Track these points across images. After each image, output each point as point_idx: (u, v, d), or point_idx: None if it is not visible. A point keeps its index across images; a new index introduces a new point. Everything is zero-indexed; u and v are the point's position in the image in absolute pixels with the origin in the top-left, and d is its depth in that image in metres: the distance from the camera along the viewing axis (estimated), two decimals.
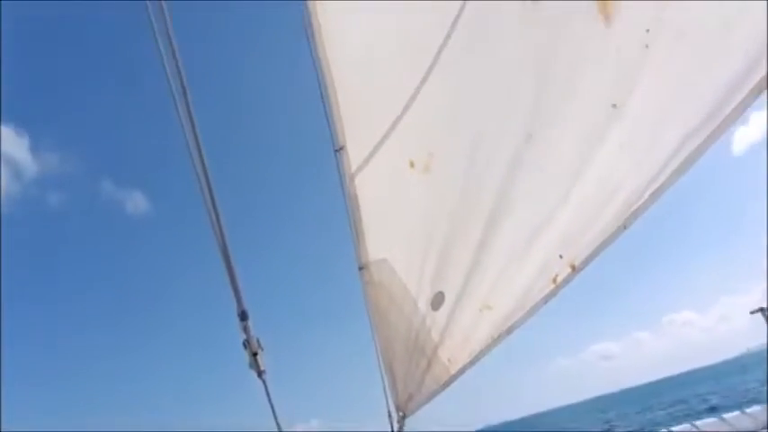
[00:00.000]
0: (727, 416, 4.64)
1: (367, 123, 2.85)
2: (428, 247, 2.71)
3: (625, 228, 2.27)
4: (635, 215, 2.25)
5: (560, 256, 2.40)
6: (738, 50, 2.02)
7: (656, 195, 2.21)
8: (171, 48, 2.10)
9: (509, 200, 2.51)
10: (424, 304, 2.71)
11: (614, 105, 2.25)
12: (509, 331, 2.53)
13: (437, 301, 2.67)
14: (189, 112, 2.12)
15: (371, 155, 2.85)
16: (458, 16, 2.51)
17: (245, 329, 2.14)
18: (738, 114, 2.06)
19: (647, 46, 2.18)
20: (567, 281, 2.41)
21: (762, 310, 4.29)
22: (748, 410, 4.62)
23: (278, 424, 2.20)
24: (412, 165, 2.76)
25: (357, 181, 2.87)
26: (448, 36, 2.55)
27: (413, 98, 2.71)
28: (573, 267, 2.39)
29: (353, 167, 2.88)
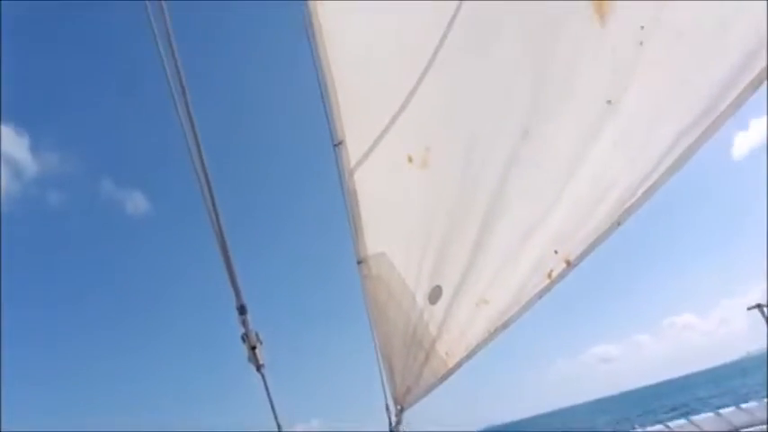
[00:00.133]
0: (723, 411, 4.66)
1: (366, 119, 2.89)
2: (426, 241, 2.75)
3: (619, 224, 2.30)
4: (629, 212, 2.27)
5: (555, 252, 2.42)
6: (733, 47, 2.03)
7: (649, 192, 2.23)
8: (170, 48, 2.13)
9: (505, 196, 2.54)
10: (421, 298, 2.75)
11: (609, 102, 2.27)
12: (505, 326, 2.56)
13: (435, 295, 2.71)
14: (188, 110, 2.15)
15: (370, 150, 2.89)
16: (455, 15, 2.53)
17: (244, 323, 2.18)
18: (732, 111, 2.07)
19: (641, 43, 2.19)
20: (561, 276, 2.43)
21: (759, 306, 4.30)
22: (744, 406, 4.63)
23: (277, 419, 2.24)
24: (410, 160, 2.79)
25: (356, 176, 2.91)
26: (445, 35, 2.58)
27: (411, 94, 2.74)
28: (568, 263, 2.41)
29: (353, 162, 2.91)
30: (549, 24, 2.37)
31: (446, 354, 2.69)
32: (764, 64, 1.95)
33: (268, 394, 2.23)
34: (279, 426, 2.23)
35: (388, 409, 2.75)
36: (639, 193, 2.23)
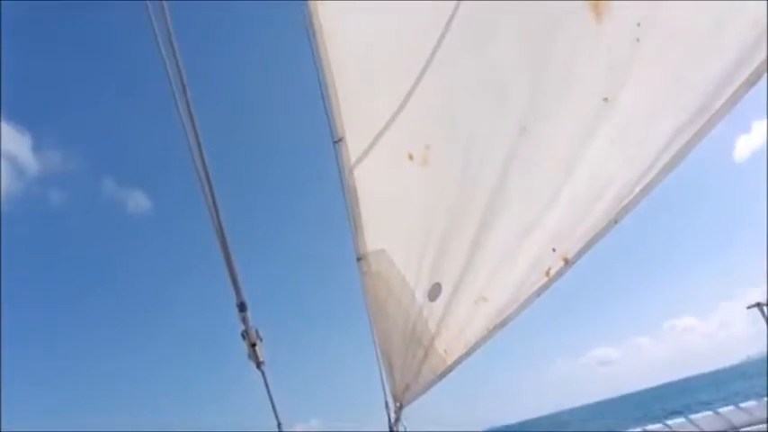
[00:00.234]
0: (722, 410, 4.66)
1: (366, 116, 2.90)
2: (426, 238, 2.76)
3: (616, 222, 2.31)
4: (626, 210, 2.28)
5: (553, 250, 2.44)
6: (729, 45, 2.04)
7: (647, 190, 2.24)
8: (171, 47, 2.15)
9: (504, 194, 2.55)
10: (421, 295, 2.76)
11: (606, 99, 2.29)
12: (503, 324, 2.57)
13: (434, 292, 2.73)
14: (189, 109, 2.17)
15: (370, 147, 2.90)
16: (453, 15, 2.55)
17: (244, 320, 2.20)
18: (728, 109, 2.08)
19: (638, 40, 2.21)
20: (559, 274, 2.45)
21: (759, 305, 4.31)
22: (743, 406, 4.63)
23: (277, 416, 2.25)
24: (411, 157, 2.81)
25: (356, 173, 2.92)
26: (443, 34, 2.60)
27: (411, 92, 2.76)
28: (566, 261, 2.43)
29: (353, 159, 2.93)
30: (546, 23, 2.39)
31: (445, 351, 2.70)
32: (760, 61, 1.97)
33: (268, 391, 2.25)
34: (279, 423, 2.25)
35: (387, 406, 2.76)
36: (637, 190, 2.24)
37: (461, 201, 2.68)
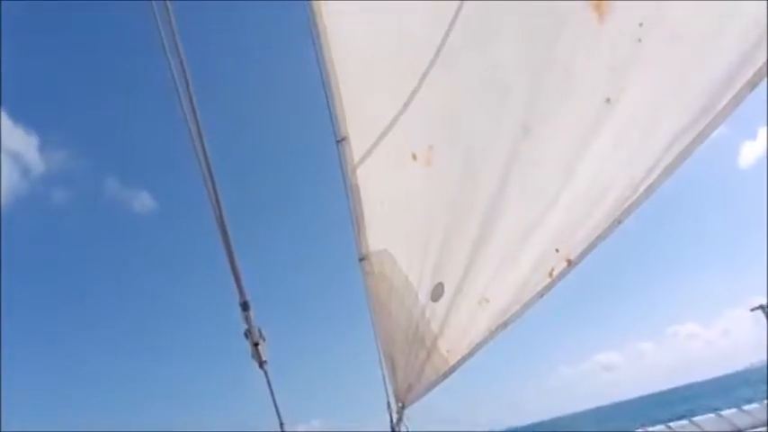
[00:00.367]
0: (725, 413, 4.65)
1: (369, 116, 2.91)
2: (428, 238, 2.76)
3: (619, 222, 2.31)
4: (628, 211, 2.28)
5: (556, 251, 2.44)
6: (731, 46, 2.04)
7: (649, 191, 2.24)
8: (176, 47, 2.15)
9: (506, 195, 2.56)
10: (424, 295, 2.77)
11: (608, 100, 2.29)
12: (506, 324, 2.57)
13: (437, 292, 2.73)
14: (193, 108, 2.17)
15: (374, 147, 2.90)
16: (456, 15, 2.56)
17: (247, 320, 2.20)
18: (730, 110, 2.08)
19: (639, 40, 2.21)
20: (562, 275, 2.45)
21: (762, 307, 4.30)
22: (746, 408, 4.62)
23: (279, 415, 2.25)
24: (414, 157, 2.81)
25: (359, 172, 2.92)
26: (446, 35, 2.60)
27: (414, 92, 2.76)
28: (569, 261, 2.43)
29: (356, 159, 2.93)
30: (549, 23, 2.39)
31: (447, 351, 2.70)
32: (762, 62, 1.97)
33: (271, 391, 2.25)
34: (281, 422, 2.25)
35: (389, 406, 2.77)
36: (639, 191, 2.25)
37: (464, 201, 2.69)
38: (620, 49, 2.26)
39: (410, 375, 2.76)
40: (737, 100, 2.06)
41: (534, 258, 2.49)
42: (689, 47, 2.16)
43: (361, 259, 2.92)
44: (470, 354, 2.65)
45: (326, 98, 2.91)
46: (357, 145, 2.92)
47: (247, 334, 2.22)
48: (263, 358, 2.23)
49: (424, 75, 2.72)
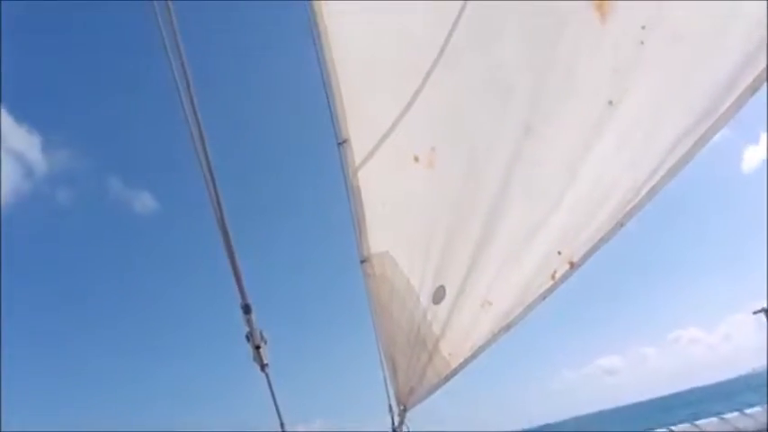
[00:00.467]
0: (727, 416, 4.64)
1: (371, 118, 2.90)
2: (430, 241, 2.76)
3: (622, 225, 2.31)
4: (631, 213, 2.28)
5: (559, 253, 2.43)
6: (733, 48, 2.04)
7: (652, 193, 2.24)
8: (177, 48, 2.14)
9: (509, 197, 2.55)
10: (425, 298, 2.76)
11: (610, 102, 2.29)
12: (509, 327, 2.56)
13: (438, 295, 2.72)
14: (194, 110, 2.16)
15: (375, 149, 2.89)
16: (459, 16, 2.55)
17: (248, 322, 2.19)
18: (733, 113, 2.08)
19: (642, 42, 2.21)
20: (565, 277, 2.44)
21: (764, 310, 4.30)
22: (748, 411, 4.61)
23: (280, 418, 2.24)
24: (416, 159, 2.80)
25: (360, 174, 2.91)
26: (449, 35, 2.59)
27: (417, 94, 2.75)
28: (571, 264, 2.42)
29: (357, 161, 2.92)
30: (551, 23, 2.38)
31: (449, 354, 2.69)
32: (763, 65, 1.96)
33: (272, 394, 2.23)
34: (282, 423, 2.24)
35: (391, 409, 2.75)
36: (642, 193, 2.24)
37: (466, 203, 2.68)
38: (622, 52, 2.26)
39: (412, 378, 2.75)
40: (740, 103, 2.06)
41: (537, 260, 2.48)
42: (691, 49, 2.15)
43: (362, 261, 2.91)
44: (473, 356, 2.64)
45: (328, 100, 2.90)
46: (358, 147, 2.91)
47: (249, 337, 2.20)
48: (265, 361, 2.21)
49: (427, 76, 2.71)
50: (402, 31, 2.75)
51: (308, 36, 2.86)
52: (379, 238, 2.90)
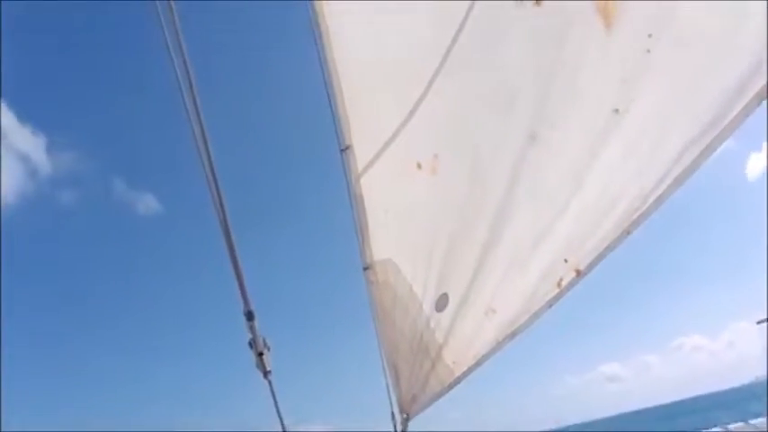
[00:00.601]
0: (732, 427, 4.62)
1: (374, 124, 2.88)
2: (433, 248, 2.74)
3: (628, 233, 2.29)
4: (638, 222, 2.27)
5: (565, 261, 2.41)
6: (741, 56, 2.03)
7: (659, 202, 2.23)
8: (180, 50, 2.12)
9: (513, 203, 2.53)
10: (428, 305, 2.73)
11: (616, 110, 2.28)
12: (514, 335, 2.54)
13: (441, 302, 2.70)
14: (197, 112, 2.14)
15: (378, 155, 2.87)
16: (464, 21, 2.53)
17: (252, 329, 2.16)
18: (740, 122, 2.07)
19: (648, 51, 2.20)
20: (571, 285, 2.42)
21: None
22: (752, 422, 4.59)
23: (282, 424, 2.22)
24: (419, 166, 2.78)
25: (363, 181, 2.89)
26: (454, 39, 2.57)
27: (420, 100, 2.73)
28: (577, 272, 2.40)
29: (360, 168, 2.90)
30: (556, 30, 2.37)
31: (453, 362, 2.67)
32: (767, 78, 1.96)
33: (275, 400, 2.21)
34: (283, 427, 2.22)
35: (393, 417, 2.73)
36: (649, 202, 2.23)
37: (469, 210, 2.66)
38: (628, 59, 2.25)
39: (414, 386, 2.73)
40: (747, 111, 2.06)
41: (542, 268, 2.46)
42: (698, 58, 2.15)
43: (365, 268, 2.89)
44: (477, 364, 2.62)
45: (330, 106, 2.88)
46: (361, 153, 2.89)
47: (252, 343, 2.18)
48: (268, 368, 2.19)
49: (431, 82, 2.69)
50: (405, 32, 2.73)
51: (311, 38, 2.83)
52: (381, 245, 2.88)
